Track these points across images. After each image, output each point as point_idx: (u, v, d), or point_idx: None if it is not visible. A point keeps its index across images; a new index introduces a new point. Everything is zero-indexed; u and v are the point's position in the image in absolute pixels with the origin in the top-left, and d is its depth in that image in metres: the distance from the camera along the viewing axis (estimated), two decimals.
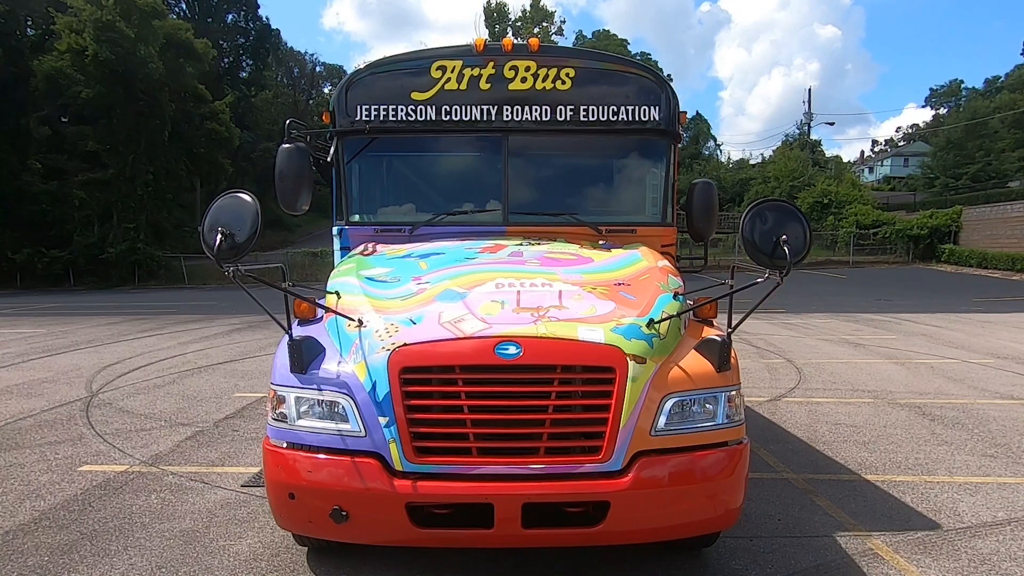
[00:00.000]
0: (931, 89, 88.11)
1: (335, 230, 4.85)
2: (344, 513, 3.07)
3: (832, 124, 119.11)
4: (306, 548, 4.01)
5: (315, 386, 3.17)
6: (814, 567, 3.85)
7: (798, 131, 60.81)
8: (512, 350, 3.02)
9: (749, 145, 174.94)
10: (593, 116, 4.71)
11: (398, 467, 3.04)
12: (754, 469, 4.46)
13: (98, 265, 35.47)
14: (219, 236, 2.98)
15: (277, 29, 67.19)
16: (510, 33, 58.65)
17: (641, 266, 4.03)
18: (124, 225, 36.35)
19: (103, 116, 36.38)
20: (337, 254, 4.82)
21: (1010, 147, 51.31)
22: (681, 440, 3.15)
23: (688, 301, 3.81)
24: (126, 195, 36.73)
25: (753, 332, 13.60)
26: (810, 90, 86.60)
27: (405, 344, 3.09)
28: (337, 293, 3.70)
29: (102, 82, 34.94)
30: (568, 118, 4.70)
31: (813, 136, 58.03)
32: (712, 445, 3.22)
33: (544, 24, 61.07)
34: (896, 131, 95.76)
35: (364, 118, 4.69)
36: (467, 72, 4.67)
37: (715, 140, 73.28)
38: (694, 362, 3.29)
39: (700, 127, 68.64)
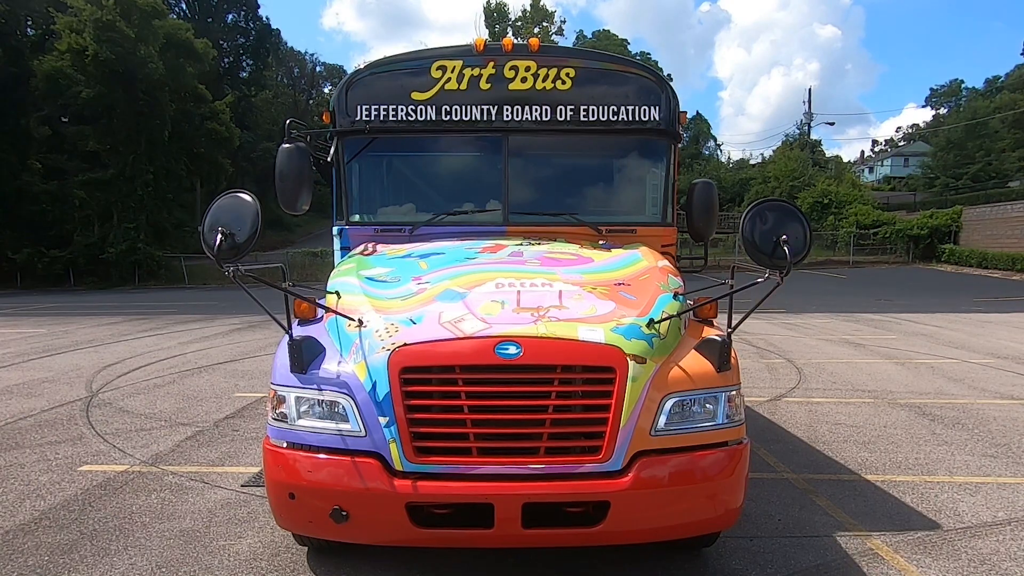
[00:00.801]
0: (931, 89, 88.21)
1: (335, 230, 4.86)
2: (344, 513, 3.07)
3: (832, 124, 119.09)
4: (306, 548, 4.01)
5: (315, 386, 3.17)
6: (814, 567, 3.86)
7: (798, 131, 60.84)
8: (512, 350, 3.02)
9: (749, 145, 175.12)
10: (593, 116, 4.71)
11: (398, 467, 3.05)
12: (754, 469, 4.46)
13: (98, 265, 35.48)
14: (219, 236, 2.98)
15: (277, 29, 67.16)
16: (510, 33, 58.62)
17: (641, 266, 4.03)
18: (124, 225, 36.34)
19: (103, 116, 36.38)
20: (337, 254, 4.82)
21: (1010, 147, 51.36)
22: (681, 440, 3.16)
23: (688, 301, 3.81)
24: (126, 195, 36.72)
25: (753, 332, 13.60)
26: (810, 90, 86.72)
27: (405, 344, 3.09)
28: (337, 293, 3.71)
29: (102, 82, 34.93)
30: (568, 118, 4.70)
31: (813, 136, 58.07)
32: (712, 445, 3.22)
33: (544, 24, 61.06)
34: (896, 131, 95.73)
35: (364, 118, 4.69)
36: (467, 72, 4.67)
37: (715, 140, 73.50)
38: (694, 362, 3.29)
39: (700, 127, 68.70)
